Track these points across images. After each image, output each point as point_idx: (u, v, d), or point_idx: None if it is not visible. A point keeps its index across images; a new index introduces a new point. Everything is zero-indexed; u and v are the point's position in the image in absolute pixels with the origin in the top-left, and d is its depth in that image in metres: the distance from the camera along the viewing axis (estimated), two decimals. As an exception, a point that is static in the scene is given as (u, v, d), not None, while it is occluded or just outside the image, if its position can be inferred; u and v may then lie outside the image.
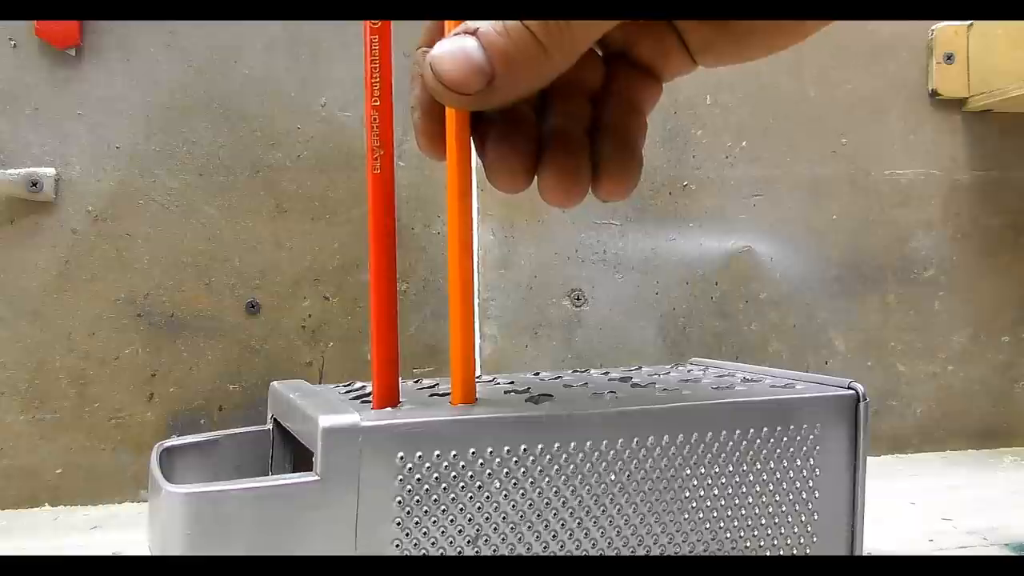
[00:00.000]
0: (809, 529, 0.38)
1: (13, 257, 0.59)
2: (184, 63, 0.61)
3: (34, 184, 0.58)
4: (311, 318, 0.63)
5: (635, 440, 0.35)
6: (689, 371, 0.47)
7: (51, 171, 0.59)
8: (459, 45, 0.28)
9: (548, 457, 0.34)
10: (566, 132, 0.32)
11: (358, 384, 0.42)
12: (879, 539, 0.50)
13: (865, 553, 0.40)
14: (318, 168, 0.63)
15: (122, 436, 0.60)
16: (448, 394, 0.37)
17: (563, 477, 0.34)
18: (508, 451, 0.34)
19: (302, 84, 0.63)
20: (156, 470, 0.34)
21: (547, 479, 0.34)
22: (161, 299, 0.61)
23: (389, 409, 0.34)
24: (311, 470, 0.32)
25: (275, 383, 0.42)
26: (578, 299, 0.67)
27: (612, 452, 0.35)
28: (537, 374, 0.47)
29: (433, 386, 0.41)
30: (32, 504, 0.59)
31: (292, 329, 0.63)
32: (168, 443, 0.39)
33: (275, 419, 0.42)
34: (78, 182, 0.60)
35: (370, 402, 0.36)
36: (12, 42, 0.59)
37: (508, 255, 0.65)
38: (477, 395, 0.36)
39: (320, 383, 0.63)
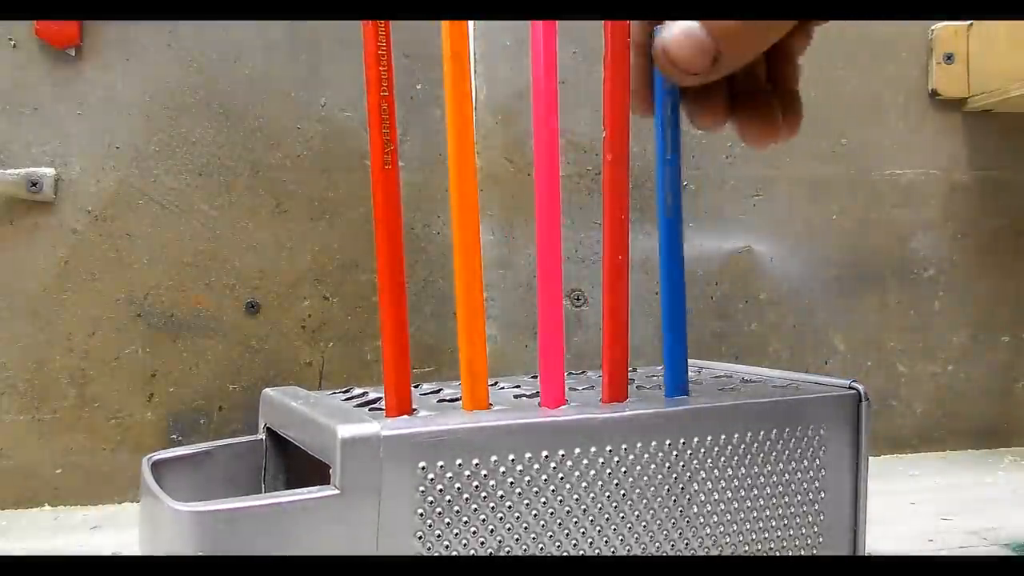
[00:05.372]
0: (816, 529, 0.38)
1: (13, 257, 0.59)
2: (184, 63, 0.61)
3: (34, 184, 0.58)
4: (311, 318, 0.63)
5: (652, 443, 0.35)
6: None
7: (51, 171, 0.59)
8: (685, 29, 0.30)
9: (569, 463, 0.33)
10: (750, 86, 0.36)
11: (357, 390, 0.40)
12: (879, 539, 0.50)
13: (866, 553, 0.40)
14: (318, 168, 0.63)
15: (122, 436, 0.60)
16: (455, 399, 0.37)
17: (584, 483, 0.34)
18: (530, 458, 0.33)
19: (302, 84, 0.63)
20: (154, 485, 0.32)
21: (568, 486, 0.33)
22: (161, 299, 0.61)
23: (406, 417, 0.33)
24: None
25: (268, 390, 0.40)
26: (578, 299, 0.67)
27: (631, 456, 0.34)
28: (535, 376, 0.47)
29: (437, 391, 0.40)
30: (32, 504, 0.59)
31: (292, 329, 0.63)
32: (157, 456, 0.37)
33: (268, 428, 0.40)
34: (78, 182, 0.60)
35: (377, 409, 0.35)
36: (12, 42, 0.59)
37: (508, 255, 0.65)
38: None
39: (320, 383, 0.63)
